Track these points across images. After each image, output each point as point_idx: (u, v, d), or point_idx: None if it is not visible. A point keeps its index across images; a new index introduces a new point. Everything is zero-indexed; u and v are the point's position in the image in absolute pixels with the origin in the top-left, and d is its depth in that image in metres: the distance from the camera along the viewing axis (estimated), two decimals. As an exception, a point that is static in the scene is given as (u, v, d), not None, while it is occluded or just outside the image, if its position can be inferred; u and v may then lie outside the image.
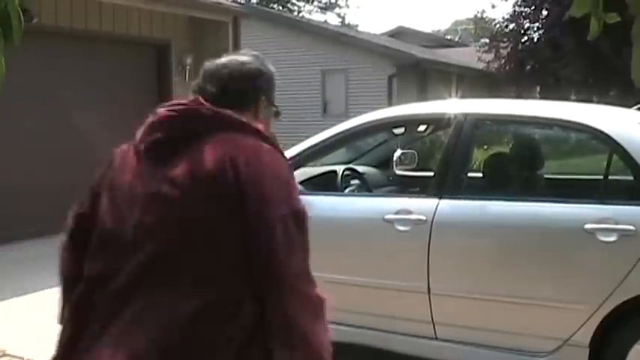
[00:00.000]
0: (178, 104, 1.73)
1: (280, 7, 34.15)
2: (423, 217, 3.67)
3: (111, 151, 1.85)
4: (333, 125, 4.32)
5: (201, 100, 1.73)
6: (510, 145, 4.88)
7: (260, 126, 1.73)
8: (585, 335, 3.35)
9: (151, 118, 1.74)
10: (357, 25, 35.10)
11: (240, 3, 13.07)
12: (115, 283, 1.60)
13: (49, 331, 5.04)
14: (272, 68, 1.90)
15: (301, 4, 37.29)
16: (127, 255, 1.61)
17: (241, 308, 1.57)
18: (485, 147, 9.31)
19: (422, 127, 4.86)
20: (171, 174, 1.61)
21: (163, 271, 1.59)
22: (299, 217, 1.62)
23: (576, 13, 1.85)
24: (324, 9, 38.38)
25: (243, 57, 1.87)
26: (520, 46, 21.04)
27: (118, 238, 1.65)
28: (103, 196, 1.75)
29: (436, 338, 3.70)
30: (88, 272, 1.69)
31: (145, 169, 1.67)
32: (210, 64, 1.86)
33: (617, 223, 3.30)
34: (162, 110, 1.72)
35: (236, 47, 10.42)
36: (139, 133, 1.74)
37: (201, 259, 1.58)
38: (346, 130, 4.21)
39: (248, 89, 1.82)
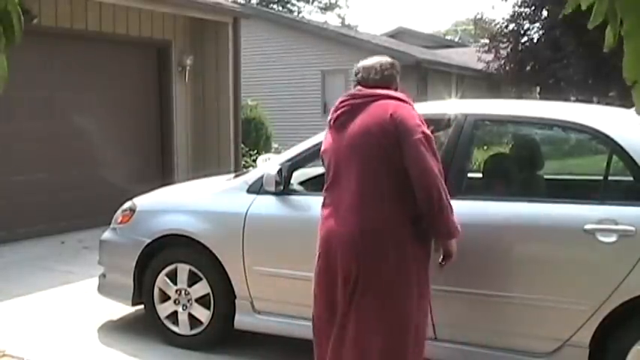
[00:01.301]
0: (348, 94, 3.29)
1: (280, 8, 34.17)
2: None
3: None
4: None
5: (360, 87, 3.29)
6: (510, 146, 4.88)
7: (400, 94, 3.25)
8: (585, 336, 3.36)
9: (335, 105, 3.30)
10: (357, 26, 35.11)
11: (240, 3, 13.07)
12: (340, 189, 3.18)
13: (49, 331, 5.08)
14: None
15: (301, 4, 37.33)
16: (340, 180, 3.17)
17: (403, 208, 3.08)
18: (485, 147, 9.30)
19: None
20: (353, 127, 3.16)
21: (362, 182, 3.10)
22: (429, 137, 3.06)
23: (593, 24, 1.85)
24: (324, 9, 38.41)
25: (383, 58, 3.43)
26: (520, 47, 21.04)
27: (338, 166, 3.20)
28: (327, 154, 3.27)
29: (435, 339, 3.70)
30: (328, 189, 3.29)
31: (335, 132, 3.25)
32: (365, 63, 3.37)
33: (616, 224, 3.30)
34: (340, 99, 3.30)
35: (236, 48, 10.42)
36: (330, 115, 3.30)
37: (379, 173, 3.08)
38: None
39: (393, 73, 3.37)
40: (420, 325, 3.16)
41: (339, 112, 3.25)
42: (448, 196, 3.07)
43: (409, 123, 3.06)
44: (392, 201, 3.07)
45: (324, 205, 3.26)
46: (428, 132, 3.07)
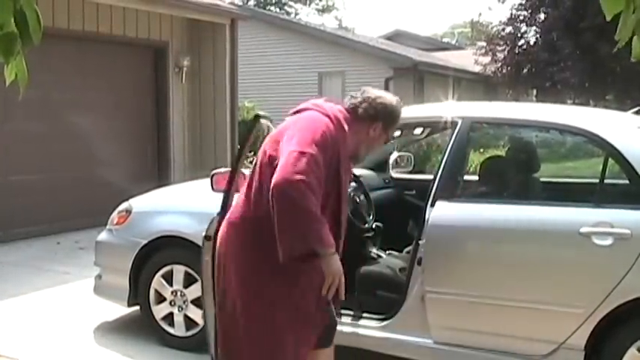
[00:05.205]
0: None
1: (277, 10, 34.18)
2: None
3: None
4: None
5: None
6: (507, 149, 4.88)
7: None
8: (581, 338, 3.35)
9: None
10: (354, 28, 35.14)
11: (237, 5, 13.06)
12: None
13: (45, 332, 5.05)
14: None
15: (298, 6, 37.36)
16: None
17: None
18: (481, 150, 9.32)
19: (418, 130, 4.86)
20: None
21: None
22: None
23: (620, 37, 1.81)
24: (321, 11, 38.44)
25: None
26: (517, 50, 21.03)
27: None
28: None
29: (432, 342, 3.70)
30: None
31: None
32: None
33: (612, 227, 3.31)
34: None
35: (233, 49, 10.42)
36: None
37: None
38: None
39: None
40: None
41: None
42: None
43: None
44: None
45: None
46: None
